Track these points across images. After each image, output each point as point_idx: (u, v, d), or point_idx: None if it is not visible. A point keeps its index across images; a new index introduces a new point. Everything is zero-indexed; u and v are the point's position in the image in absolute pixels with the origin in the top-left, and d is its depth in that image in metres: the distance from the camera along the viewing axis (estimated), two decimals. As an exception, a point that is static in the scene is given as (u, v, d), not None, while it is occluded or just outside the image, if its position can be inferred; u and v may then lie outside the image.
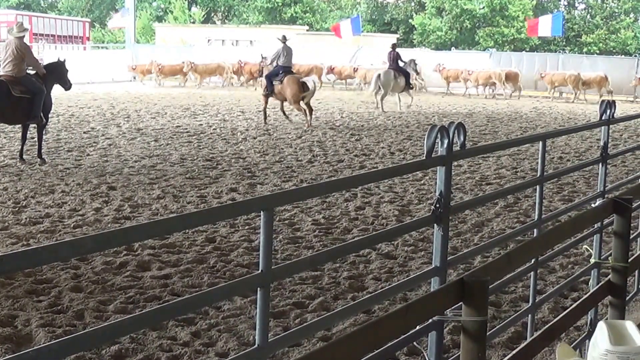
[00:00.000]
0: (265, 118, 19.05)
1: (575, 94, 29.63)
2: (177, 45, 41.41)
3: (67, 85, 13.44)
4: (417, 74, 26.30)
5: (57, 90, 13.62)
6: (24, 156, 12.49)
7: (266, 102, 19.11)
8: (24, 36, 12.69)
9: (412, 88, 24.49)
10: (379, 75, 23.03)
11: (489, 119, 21.53)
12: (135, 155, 13.28)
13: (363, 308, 4.93)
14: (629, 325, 2.40)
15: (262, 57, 20.94)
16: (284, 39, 19.07)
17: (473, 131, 17.80)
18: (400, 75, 23.21)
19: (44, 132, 13.16)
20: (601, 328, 2.39)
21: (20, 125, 12.96)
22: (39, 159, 12.35)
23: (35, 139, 12.71)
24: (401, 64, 23.56)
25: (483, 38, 53.26)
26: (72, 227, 8.28)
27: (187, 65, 32.13)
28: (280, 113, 19.27)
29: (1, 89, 12.02)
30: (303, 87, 18.55)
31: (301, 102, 18.47)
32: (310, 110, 18.56)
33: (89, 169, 11.77)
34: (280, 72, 18.77)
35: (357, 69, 31.95)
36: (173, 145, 14.59)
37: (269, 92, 18.99)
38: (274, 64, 19.05)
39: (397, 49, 24.16)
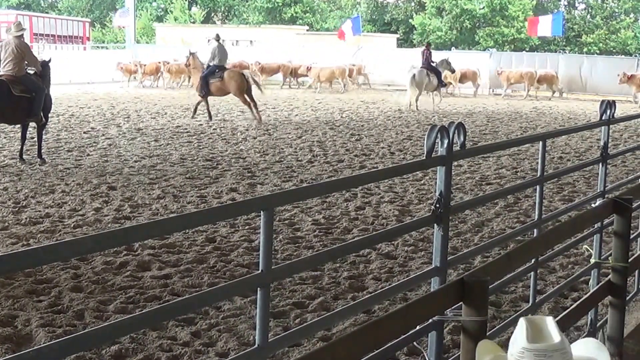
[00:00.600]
0: (194, 112, 19.67)
1: (528, 91, 30.23)
2: (177, 45, 41.40)
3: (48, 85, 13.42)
4: (453, 72, 26.88)
5: (57, 91, 13.62)
6: (24, 156, 12.49)
7: (206, 102, 19.56)
8: (22, 35, 12.70)
9: (445, 86, 25.51)
10: (413, 76, 23.66)
11: (489, 119, 21.53)
12: (135, 155, 13.28)
13: (363, 308, 4.93)
14: (549, 321, 2.40)
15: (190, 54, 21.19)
16: (218, 38, 19.96)
17: (473, 131, 17.80)
18: (433, 74, 24.06)
19: (43, 132, 13.16)
20: (521, 324, 2.39)
21: (20, 125, 12.97)
22: (39, 159, 12.35)
23: (35, 139, 12.72)
24: (433, 63, 24.47)
25: (483, 38, 53.26)
26: (72, 227, 8.28)
27: (163, 66, 31.89)
28: (252, 112, 19.38)
29: (2, 89, 12.03)
30: (246, 80, 19.36)
31: (245, 95, 19.19)
32: (255, 104, 19.12)
33: (89, 169, 11.77)
34: (216, 70, 19.40)
35: (310, 67, 31.83)
36: (173, 145, 14.59)
37: (206, 92, 19.50)
38: (210, 63, 19.64)
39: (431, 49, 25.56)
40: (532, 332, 2.33)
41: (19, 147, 12.71)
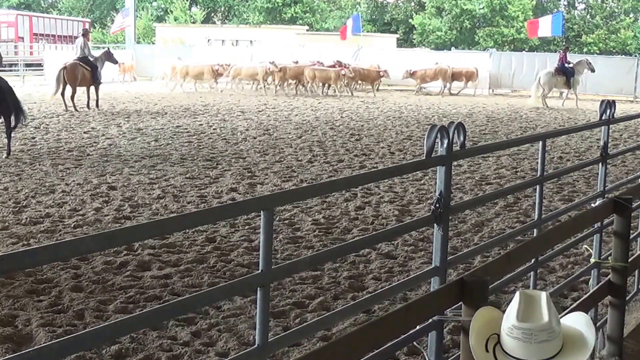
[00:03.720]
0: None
1: (444, 88, 30.75)
2: (177, 45, 41.41)
3: None
4: (593, 71, 27.65)
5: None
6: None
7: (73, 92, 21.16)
8: None
9: (578, 84, 27.02)
10: (539, 78, 25.98)
11: (489, 119, 21.53)
12: (135, 155, 13.28)
13: (363, 308, 4.93)
14: (543, 297, 2.43)
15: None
16: (85, 32, 22.53)
17: (473, 131, 17.80)
18: (560, 74, 26.14)
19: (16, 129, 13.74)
20: (516, 298, 2.43)
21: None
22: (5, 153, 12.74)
23: (37, 138, 12.76)
24: (569, 65, 26.34)
25: (483, 38, 53.29)
26: (72, 227, 8.28)
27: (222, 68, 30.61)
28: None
29: None
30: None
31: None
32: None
33: (89, 169, 11.77)
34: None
35: (227, 65, 30.75)
36: (173, 145, 14.59)
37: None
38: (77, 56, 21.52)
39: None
40: (524, 309, 2.38)
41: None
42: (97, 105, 21.24)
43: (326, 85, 29.29)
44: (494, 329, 2.49)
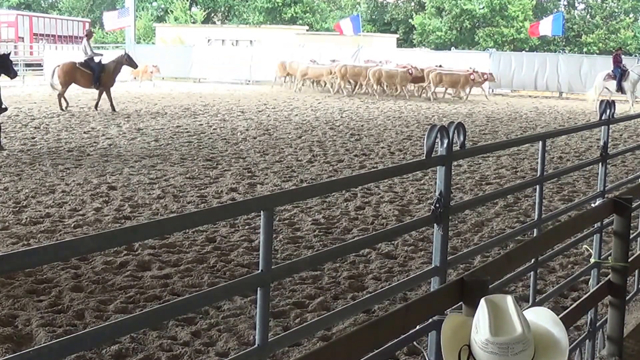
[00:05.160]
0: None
1: (338, 87, 29.61)
2: (177, 45, 41.42)
3: (11, 75, 15.84)
4: None
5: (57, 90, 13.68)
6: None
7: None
8: None
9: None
10: (597, 79, 26.83)
11: (489, 119, 21.53)
12: (135, 155, 13.28)
13: (363, 308, 4.93)
14: (510, 304, 2.40)
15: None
16: (88, 33, 23.01)
17: (473, 131, 17.80)
18: (613, 78, 26.36)
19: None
20: (482, 308, 2.39)
21: None
22: None
23: (37, 138, 12.77)
24: (624, 67, 26.45)
25: (483, 38, 53.28)
26: (72, 227, 8.28)
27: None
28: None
29: None
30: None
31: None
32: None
33: (89, 169, 11.77)
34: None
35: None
36: (173, 145, 14.59)
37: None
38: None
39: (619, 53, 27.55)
40: (494, 321, 2.35)
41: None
42: (112, 109, 20.61)
43: (454, 90, 28.61)
44: (464, 339, 2.45)
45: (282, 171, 12.07)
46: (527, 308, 2.59)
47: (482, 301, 2.39)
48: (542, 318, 2.51)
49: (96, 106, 20.98)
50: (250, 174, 11.71)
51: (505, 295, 2.46)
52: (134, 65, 23.18)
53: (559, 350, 2.40)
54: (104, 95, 21.07)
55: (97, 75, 21.14)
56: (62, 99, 20.73)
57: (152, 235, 3.72)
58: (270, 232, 2.76)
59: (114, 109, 20.65)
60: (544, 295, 5.34)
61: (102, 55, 22.31)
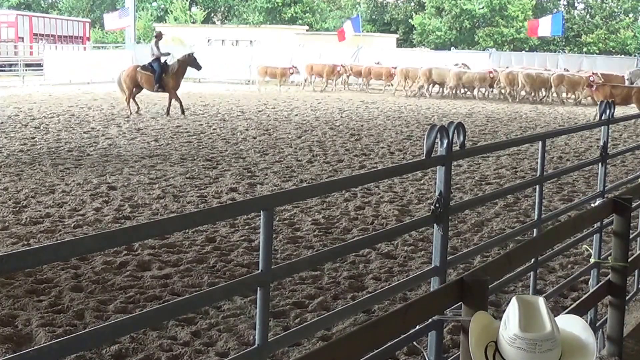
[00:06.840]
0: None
1: (280, 84, 31.80)
2: (177, 45, 41.37)
3: None
4: None
5: (57, 90, 13.67)
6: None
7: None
8: None
9: None
10: (630, 73, 27.87)
11: (489, 119, 21.53)
12: (135, 155, 13.29)
13: (363, 308, 4.94)
14: (541, 304, 2.41)
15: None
16: (158, 35, 21.88)
17: (473, 131, 17.80)
18: None
19: None
20: (513, 305, 2.40)
21: None
22: None
23: (37, 138, 12.77)
24: None
25: (482, 38, 53.30)
26: (72, 227, 8.28)
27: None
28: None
29: None
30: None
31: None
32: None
33: (89, 169, 11.77)
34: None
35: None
36: (173, 145, 14.59)
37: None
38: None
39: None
40: (524, 317, 2.36)
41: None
42: (181, 112, 20.11)
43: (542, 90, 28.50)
44: (491, 336, 2.47)
45: (282, 171, 12.07)
46: (557, 315, 2.60)
47: (514, 299, 2.41)
48: (572, 324, 2.51)
49: (167, 112, 20.37)
50: (250, 174, 11.71)
51: (538, 296, 2.48)
52: (197, 66, 21.87)
53: (587, 354, 2.40)
54: (170, 99, 20.64)
55: (158, 77, 20.54)
56: (132, 102, 20.46)
57: (152, 235, 3.72)
58: (270, 232, 2.76)
59: (183, 112, 20.05)
60: (544, 295, 5.34)
61: (169, 54, 21.44)
